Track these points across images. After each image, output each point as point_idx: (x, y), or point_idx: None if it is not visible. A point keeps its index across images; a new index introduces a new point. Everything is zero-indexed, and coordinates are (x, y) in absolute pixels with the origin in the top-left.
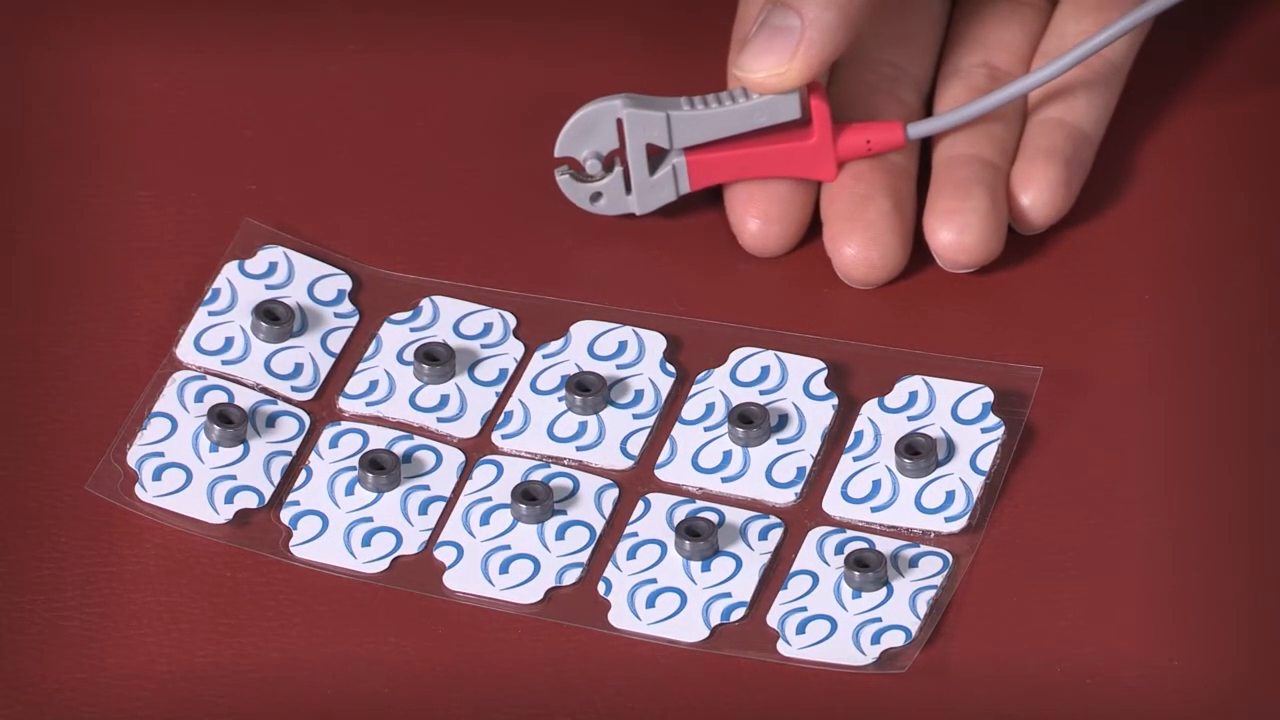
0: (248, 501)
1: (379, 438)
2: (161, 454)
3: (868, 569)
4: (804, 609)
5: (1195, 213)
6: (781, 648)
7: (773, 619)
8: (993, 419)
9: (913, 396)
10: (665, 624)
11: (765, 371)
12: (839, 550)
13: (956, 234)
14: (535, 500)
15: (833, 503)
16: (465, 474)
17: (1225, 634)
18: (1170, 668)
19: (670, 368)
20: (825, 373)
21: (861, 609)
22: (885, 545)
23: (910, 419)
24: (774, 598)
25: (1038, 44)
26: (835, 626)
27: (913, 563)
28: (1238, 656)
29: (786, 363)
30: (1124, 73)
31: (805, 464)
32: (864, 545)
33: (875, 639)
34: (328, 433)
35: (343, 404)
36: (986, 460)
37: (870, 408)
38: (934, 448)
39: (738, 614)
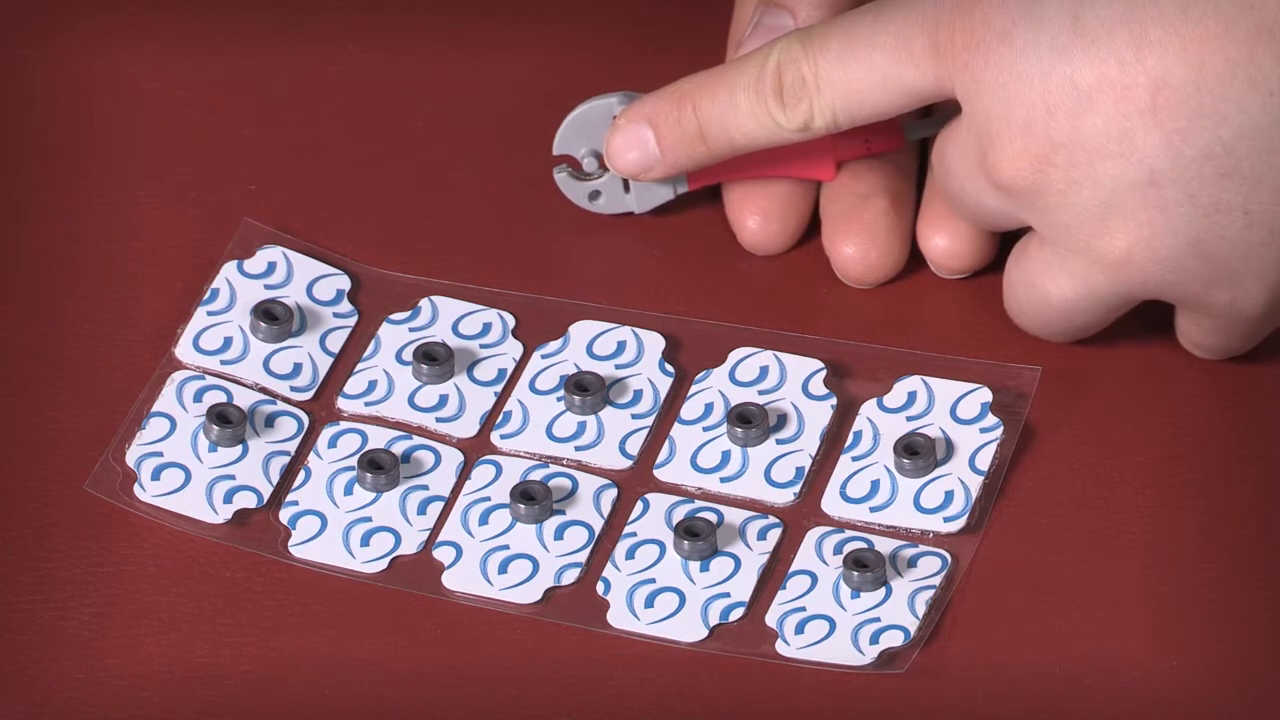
0: (246, 501)
1: (378, 437)
2: (160, 454)
3: (866, 569)
4: (803, 609)
5: None
6: (780, 647)
7: (771, 619)
8: (992, 419)
9: (911, 396)
10: (664, 624)
11: (764, 372)
12: (838, 550)
13: (949, 240)
14: (534, 500)
15: (832, 503)
16: (464, 474)
17: (1224, 635)
18: (1169, 668)
19: (669, 368)
20: (824, 373)
21: (860, 609)
22: (884, 545)
23: (909, 419)
24: (773, 597)
25: None
26: (834, 626)
27: (911, 563)
28: (1236, 657)
29: (785, 363)
30: None
31: (804, 464)
32: (863, 545)
33: (874, 639)
34: (326, 432)
35: (341, 404)
36: (985, 460)
37: (869, 407)
38: (933, 448)
39: (736, 614)
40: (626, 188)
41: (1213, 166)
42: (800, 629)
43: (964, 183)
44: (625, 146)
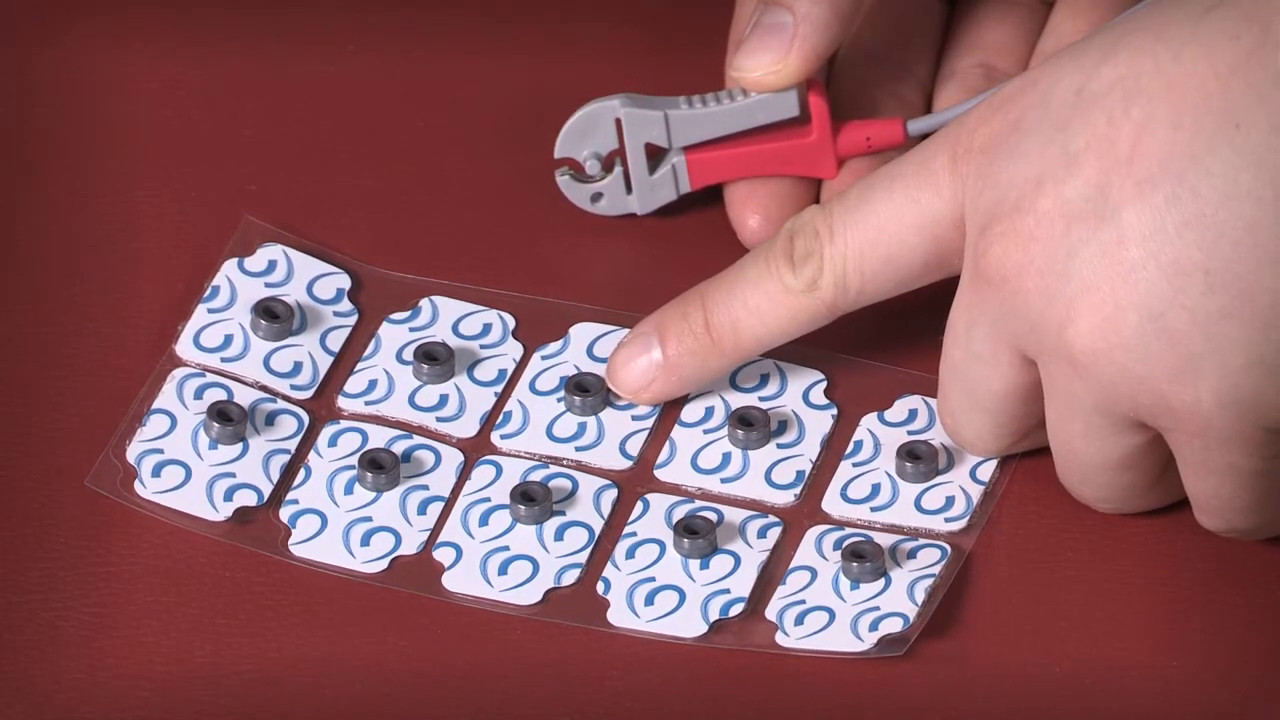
0: (247, 499)
1: (378, 437)
2: (161, 450)
3: (865, 560)
4: (802, 601)
5: None
6: (780, 639)
7: (771, 612)
8: None
9: (912, 414)
10: (664, 620)
11: (764, 379)
12: (837, 546)
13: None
14: (534, 501)
15: (832, 503)
16: (464, 474)
17: (1223, 635)
18: (1169, 668)
19: None
20: (824, 384)
21: (859, 599)
22: (884, 540)
23: (910, 433)
24: (772, 593)
25: (1034, 44)
26: (833, 617)
27: (911, 554)
28: (1236, 657)
29: (786, 371)
30: None
31: (804, 468)
32: (862, 539)
33: (873, 626)
34: (327, 431)
35: (342, 403)
36: (987, 472)
37: (870, 420)
38: (935, 454)
39: (736, 609)
40: (628, 188)
41: (1177, 214)
42: (800, 620)
43: (957, 319)
44: (628, 358)
